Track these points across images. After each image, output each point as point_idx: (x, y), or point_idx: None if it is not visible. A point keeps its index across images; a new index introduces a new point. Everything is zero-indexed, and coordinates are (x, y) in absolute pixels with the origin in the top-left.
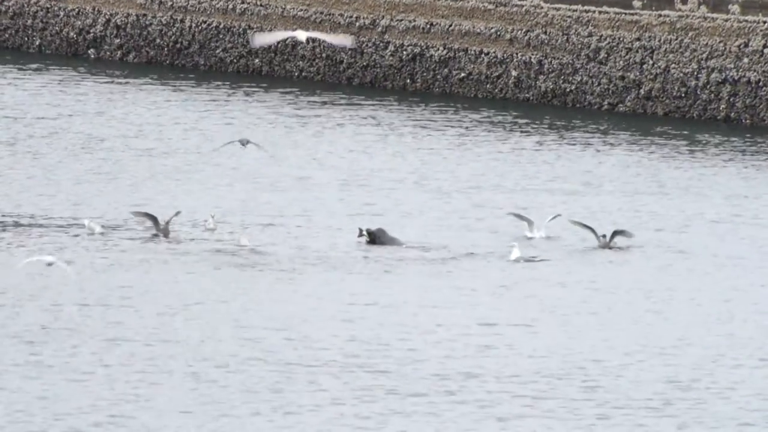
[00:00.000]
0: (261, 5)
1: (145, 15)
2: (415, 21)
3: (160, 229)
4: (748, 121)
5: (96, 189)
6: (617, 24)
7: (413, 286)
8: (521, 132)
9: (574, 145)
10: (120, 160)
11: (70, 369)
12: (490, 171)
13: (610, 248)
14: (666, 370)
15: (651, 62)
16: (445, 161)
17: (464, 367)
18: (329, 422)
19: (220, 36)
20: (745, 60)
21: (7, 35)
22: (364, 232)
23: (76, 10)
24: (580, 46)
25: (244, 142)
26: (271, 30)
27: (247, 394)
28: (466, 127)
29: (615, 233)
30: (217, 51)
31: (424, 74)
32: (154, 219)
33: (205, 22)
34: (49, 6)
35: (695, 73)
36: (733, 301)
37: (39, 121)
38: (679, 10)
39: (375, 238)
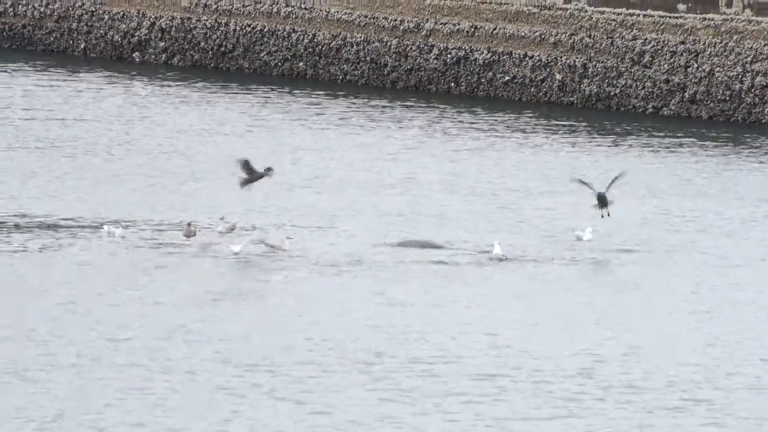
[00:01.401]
0: (305, 8)
1: (189, 18)
2: (459, 24)
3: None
4: None
5: (133, 191)
6: (662, 27)
7: (466, 287)
8: (565, 134)
9: (620, 147)
10: (157, 163)
11: (107, 366)
12: (537, 173)
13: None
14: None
15: (695, 66)
16: (502, 164)
17: (511, 366)
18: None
19: (265, 39)
20: None
21: (52, 38)
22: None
23: (121, 13)
24: (624, 50)
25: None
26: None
27: (288, 393)
28: (523, 130)
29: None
30: (262, 54)
31: (469, 77)
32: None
33: (249, 26)
34: (94, 9)
35: (740, 76)
36: None
37: (78, 123)
38: (724, 13)
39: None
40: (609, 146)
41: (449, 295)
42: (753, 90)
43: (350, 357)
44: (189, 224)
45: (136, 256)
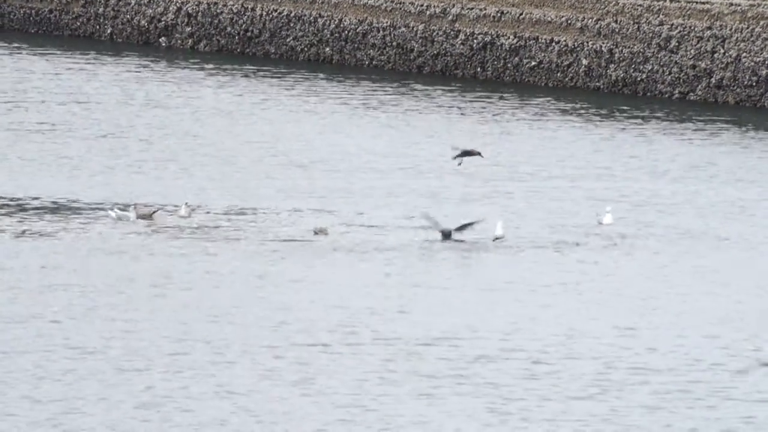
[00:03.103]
0: None
1: (216, 3)
2: (485, 9)
3: None
4: None
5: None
6: (688, 13)
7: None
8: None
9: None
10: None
11: (120, 355)
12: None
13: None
14: None
15: (722, 51)
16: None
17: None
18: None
19: (291, 24)
20: None
21: (78, 23)
22: (321, 230)
23: None
24: (651, 35)
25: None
26: None
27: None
28: (542, 114)
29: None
30: (288, 39)
31: (495, 63)
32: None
33: (275, 11)
34: None
35: (766, 62)
36: None
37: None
38: None
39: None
40: (634, 130)
41: (466, 278)
42: None
43: (365, 338)
44: (145, 208)
45: (158, 240)
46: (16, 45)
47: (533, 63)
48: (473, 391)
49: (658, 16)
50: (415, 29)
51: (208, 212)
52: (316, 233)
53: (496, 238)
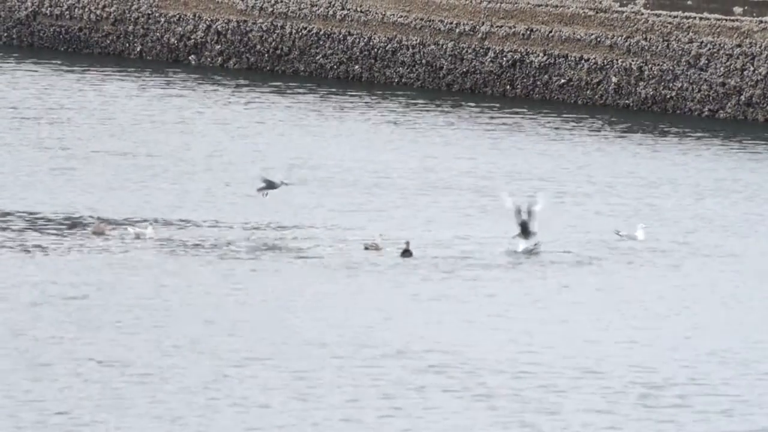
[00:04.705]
0: (361, 11)
1: (245, 21)
2: (515, 27)
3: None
4: None
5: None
6: (718, 30)
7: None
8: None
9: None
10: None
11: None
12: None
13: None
14: None
15: (752, 68)
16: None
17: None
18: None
19: (320, 42)
20: None
21: (108, 41)
22: (373, 246)
23: (177, 16)
24: (680, 53)
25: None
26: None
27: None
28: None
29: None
30: (318, 57)
31: (524, 80)
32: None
33: (305, 29)
34: (150, 12)
35: None
36: None
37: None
38: None
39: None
40: (666, 148)
41: (503, 292)
42: None
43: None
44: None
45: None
46: (45, 61)
47: (562, 81)
48: (492, 404)
49: (688, 34)
50: (444, 47)
51: (256, 228)
52: (366, 248)
53: (529, 251)
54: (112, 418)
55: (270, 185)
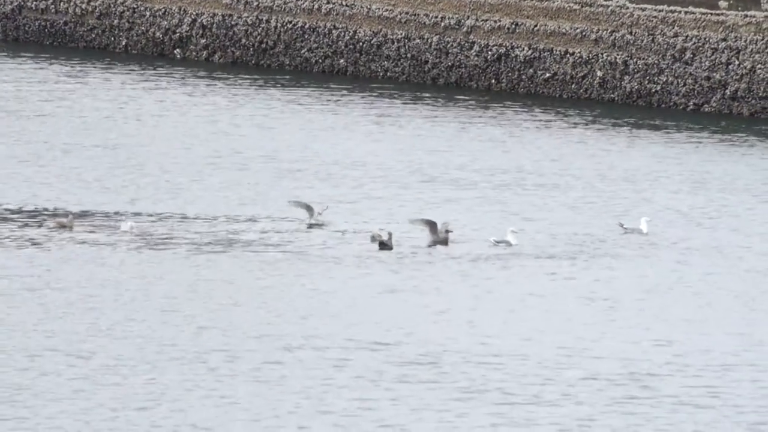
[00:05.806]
0: (346, 5)
1: (230, 15)
2: (500, 21)
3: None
4: None
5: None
6: (703, 24)
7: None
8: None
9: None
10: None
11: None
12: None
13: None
14: None
15: (737, 63)
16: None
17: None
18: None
19: (306, 36)
20: None
21: (93, 35)
22: (379, 237)
23: (162, 10)
24: (665, 47)
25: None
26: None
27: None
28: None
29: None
30: (303, 51)
31: (509, 74)
32: (309, 208)
33: (290, 22)
34: (135, 6)
35: None
36: None
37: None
38: (766, 10)
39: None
40: (652, 142)
41: (496, 286)
42: None
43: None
44: (66, 216)
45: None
46: (30, 55)
47: (548, 75)
48: (490, 401)
49: (673, 28)
50: (429, 41)
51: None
52: (373, 240)
53: (496, 243)
54: (75, 409)
55: (306, 208)
